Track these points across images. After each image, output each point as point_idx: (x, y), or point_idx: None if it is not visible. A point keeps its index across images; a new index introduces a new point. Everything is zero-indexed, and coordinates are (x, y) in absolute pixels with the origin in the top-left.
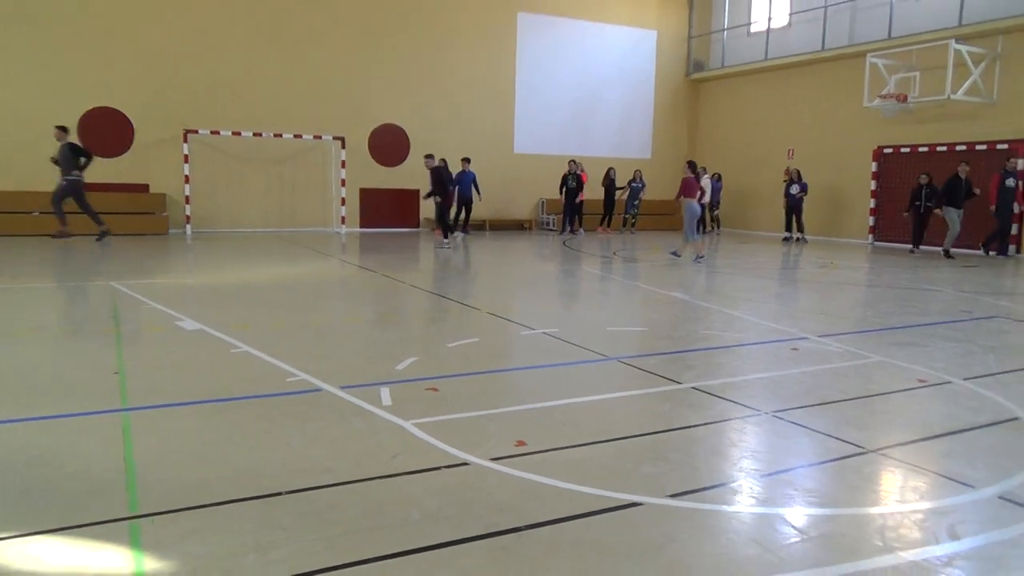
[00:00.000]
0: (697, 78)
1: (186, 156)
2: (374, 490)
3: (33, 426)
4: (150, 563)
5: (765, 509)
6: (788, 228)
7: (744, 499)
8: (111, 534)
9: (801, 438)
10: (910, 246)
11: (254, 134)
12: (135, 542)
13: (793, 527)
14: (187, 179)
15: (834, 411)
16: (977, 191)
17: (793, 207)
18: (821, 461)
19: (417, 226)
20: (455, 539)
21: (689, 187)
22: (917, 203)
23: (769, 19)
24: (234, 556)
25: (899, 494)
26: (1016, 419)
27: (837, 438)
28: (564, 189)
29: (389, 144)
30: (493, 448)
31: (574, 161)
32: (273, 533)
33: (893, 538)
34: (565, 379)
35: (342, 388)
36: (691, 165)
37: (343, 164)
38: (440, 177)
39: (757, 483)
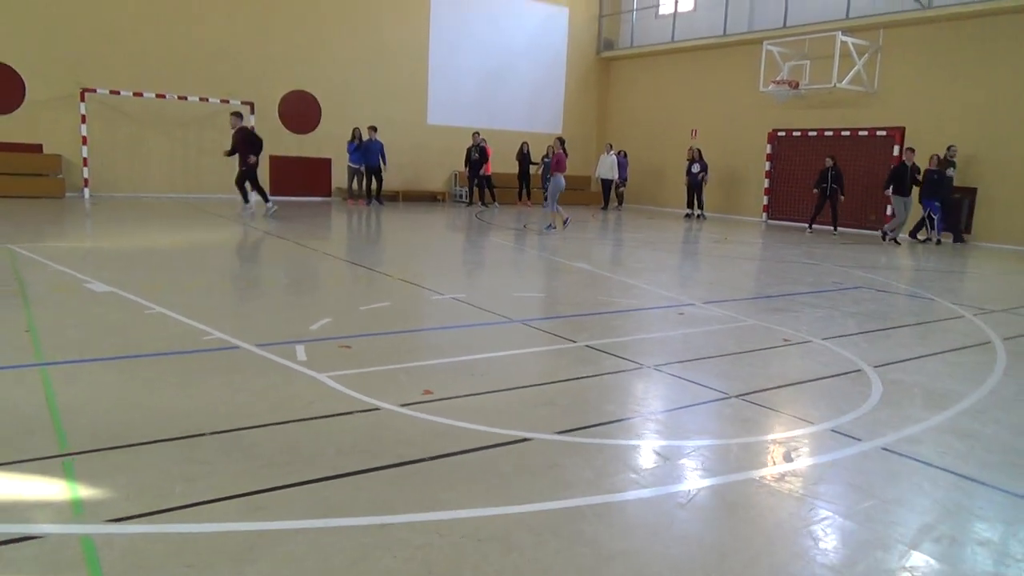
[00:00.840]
0: (607, 56)
1: (83, 116)
2: (292, 431)
3: None
4: (85, 491)
5: (638, 442)
6: (689, 205)
7: (622, 434)
8: (46, 469)
9: (676, 387)
10: (804, 225)
11: (157, 95)
12: (69, 475)
13: (659, 455)
14: (84, 140)
15: (708, 365)
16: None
17: (695, 186)
18: (690, 404)
19: (329, 195)
20: (368, 467)
21: (559, 163)
22: (824, 184)
23: (676, 2)
24: (164, 485)
25: (751, 429)
26: (859, 371)
27: (706, 386)
28: (468, 161)
29: (300, 111)
30: (403, 396)
31: (478, 133)
32: (199, 467)
33: (741, 461)
34: (470, 338)
35: (258, 346)
36: (561, 142)
37: (252, 130)
38: (245, 139)
39: (634, 422)
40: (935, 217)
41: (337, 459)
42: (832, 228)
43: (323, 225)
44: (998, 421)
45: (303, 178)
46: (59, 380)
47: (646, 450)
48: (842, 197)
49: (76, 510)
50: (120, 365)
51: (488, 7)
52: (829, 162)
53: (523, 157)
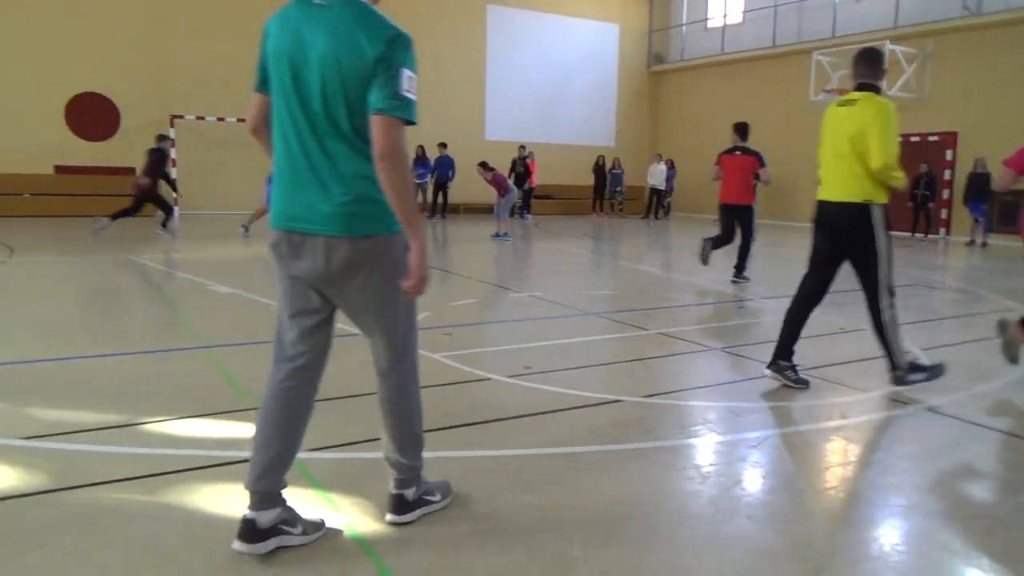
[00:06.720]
0: (657, 70)
1: (172, 140)
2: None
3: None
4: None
5: (711, 404)
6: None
7: (697, 398)
8: (243, 418)
9: (737, 363)
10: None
11: (237, 120)
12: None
13: (732, 412)
14: (174, 163)
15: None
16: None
17: None
18: (752, 377)
19: None
20: (492, 419)
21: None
22: (916, 191)
23: (725, 16)
24: (343, 428)
25: (808, 396)
26: (908, 352)
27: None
28: (514, 174)
29: None
30: (508, 370)
31: (523, 147)
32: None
33: (800, 418)
34: (554, 327)
35: None
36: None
37: None
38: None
39: (706, 390)
40: (980, 220)
41: (451, 418)
42: (923, 234)
43: None
44: None
45: None
46: (223, 359)
47: (720, 409)
48: (931, 204)
49: None
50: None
51: (542, 27)
52: (924, 168)
53: (598, 170)
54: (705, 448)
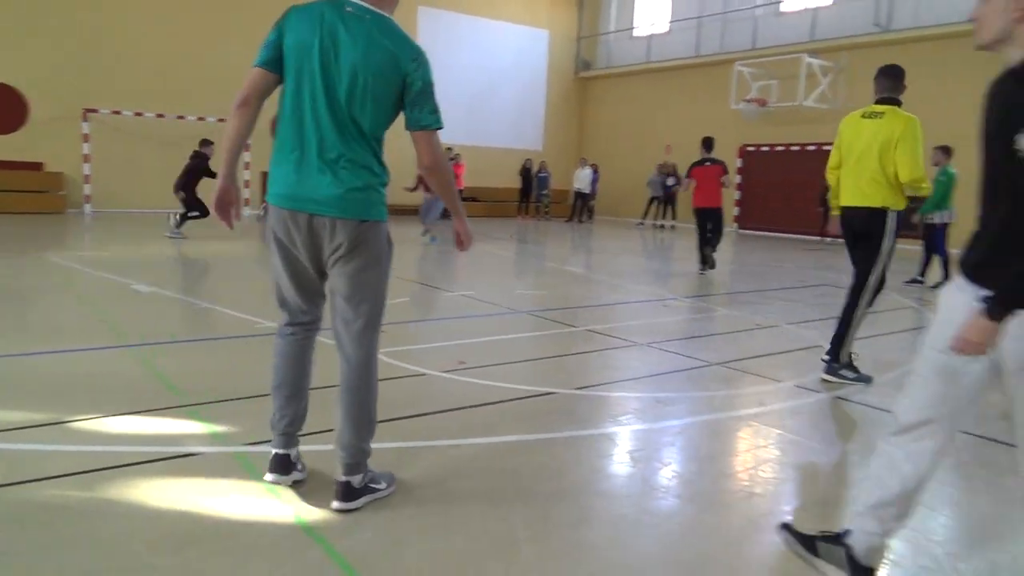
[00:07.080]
0: (585, 76)
1: (85, 135)
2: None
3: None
4: (217, 427)
5: (639, 394)
6: (644, 216)
7: (622, 389)
8: (179, 414)
9: (663, 358)
10: (773, 233)
11: (156, 115)
12: (197, 417)
13: (660, 401)
14: (87, 158)
15: (695, 343)
16: None
17: (668, 199)
18: (672, 371)
19: None
20: (431, 411)
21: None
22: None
23: (651, 24)
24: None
25: (727, 386)
26: (819, 346)
27: (687, 356)
28: None
29: None
30: (443, 365)
31: (450, 149)
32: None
33: (720, 405)
34: (486, 325)
35: None
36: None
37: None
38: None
39: (632, 382)
40: None
41: (395, 409)
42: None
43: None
44: None
45: None
46: (155, 357)
47: (647, 399)
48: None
49: (216, 437)
50: (206, 344)
51: (472, 30)
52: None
53: (526, 173)
54: (634, 435)
